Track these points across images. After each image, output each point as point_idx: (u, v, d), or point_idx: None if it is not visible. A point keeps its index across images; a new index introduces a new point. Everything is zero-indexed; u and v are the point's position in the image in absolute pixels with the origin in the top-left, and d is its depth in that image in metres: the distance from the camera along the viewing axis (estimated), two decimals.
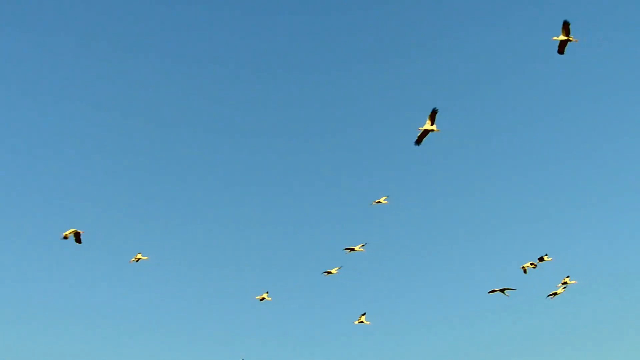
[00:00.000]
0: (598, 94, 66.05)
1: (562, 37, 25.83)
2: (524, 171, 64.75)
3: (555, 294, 34.42)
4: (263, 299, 34.91)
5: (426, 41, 73.31)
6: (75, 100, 67.26)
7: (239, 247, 60.85)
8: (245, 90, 72.74)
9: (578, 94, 66.60)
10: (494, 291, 32.10)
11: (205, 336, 52.02)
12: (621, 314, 52.01)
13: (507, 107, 67.50)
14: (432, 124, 27.36)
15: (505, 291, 32.17)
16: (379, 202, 34.73)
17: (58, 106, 67.51)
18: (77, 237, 29.47)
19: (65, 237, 29.22)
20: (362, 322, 34.73)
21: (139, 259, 33.61)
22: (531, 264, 34.35)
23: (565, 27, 25.66)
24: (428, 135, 27.71)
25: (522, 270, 34.27)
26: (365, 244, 34.01)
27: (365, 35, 73.65)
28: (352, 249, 33.94)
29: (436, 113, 27.11)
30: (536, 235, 55.76)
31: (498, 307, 59.22)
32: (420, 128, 27.32)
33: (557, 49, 26.13)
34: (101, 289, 55.03)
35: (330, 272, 34.51)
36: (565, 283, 34.66)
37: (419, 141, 27.89)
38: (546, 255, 34.37)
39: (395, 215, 56.77)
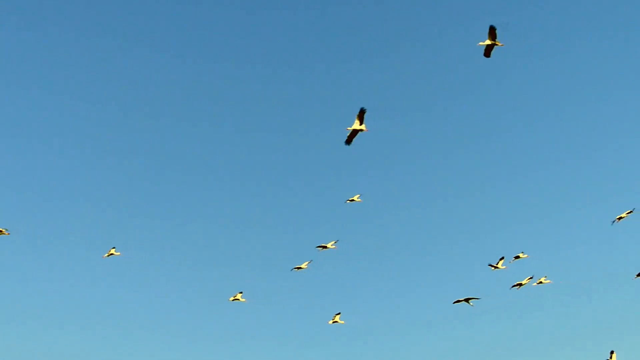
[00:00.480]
0: (583, 95, 66.97)
1: (488, 42, 26.10)
2: (503, 171, 65.42)
3: (520, 284, 34.71)
4: (236, 299, 34.68)
5: (414, 40, 74.19)
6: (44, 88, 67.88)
7: (212, 246, 61.00)
8: (219, 83, 72.69)
9: (559, 98, 66.37)
10: (458, 301, 32.28)
11: (177, 335, 52.49)
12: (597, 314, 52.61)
13: (482, 109, 67.72)
14: (360, 124, 27.69)
15: (469, 301, 32.35)
16: (353, 200, 34.70)
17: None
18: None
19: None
20: (336, 321, 34.53)
21: (111, 254, 33.99)
22: (501, 259, 34.47)
23: (492, 32, 25.90)
24: (357, 135, 28.06)
25: (490, 267, 34.53)
26: (337, 241, 33.84)
27: (355, 33, 74.06)
28: (325, 247, 33.74)
29: (364, 113, 27.44)
30: (513, 235, 56.80)
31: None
32: (349, 128, 27.68)
33: (483, 52, 26.40)
34: (75, 284, 55.80)
35: (300, 268, 34.25)
36: (541, 282, 34.94)
37: (348, 141, 28.24)
38: (522, 252, 34.61)
39: (369, 213, 57.34)
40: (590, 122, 65.42)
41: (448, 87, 69.47)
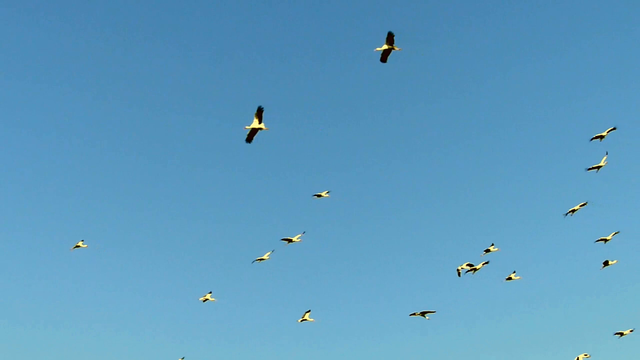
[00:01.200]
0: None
1: (385, 47, 26.10)
2: (477, 169, 64.51)
3: (474, 269, 33.95)
4: (206, 299, 34.25)
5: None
6: None
7: (180, 241, 60.02)
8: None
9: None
10: (414, 314, 32.18)
11: (145, 334, 51.74)
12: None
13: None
14: (259, 122, 27.60)
15: (425, 315, 32.24)
16: (320, 195, 33.92)
17: None
18: None
19: None
20: (305, 319, 33.99)
21: (78, 246, 33.69)
22: (468, 265, 33.81)
23: (390, 38, 25.90)
24: (257, 133, 27.99)
25: (457, 272, 33.96)
26: (303, 233, 33.22)
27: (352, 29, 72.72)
28: (290, 240, 33.22)
29: (262, 111, 27.33)
30: (485, 232, 56.27)
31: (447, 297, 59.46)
32: (247, 127, 27.59)
33: (379, 57, 26.38)
34: (42, 277, 55.31)
35: (262, 259, 33.58)
36: (510, 278, 34.22)
37: (249, 139, 28.16)
38: (492, 245, 33.55)
39: (337, 209, 57.10)
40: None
41: (418, 87, 68.93)
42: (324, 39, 72.92)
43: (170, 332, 50.49)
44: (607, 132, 30.89)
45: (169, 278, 55.65)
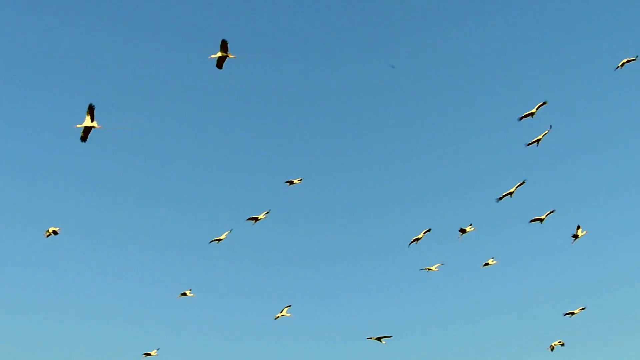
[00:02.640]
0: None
1: (220, 54, 26.34)
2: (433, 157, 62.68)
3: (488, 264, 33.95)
4: (185, 294, 33.75)
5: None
6: None
7: (155, 230, 57.67)
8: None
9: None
10: (370, 339, 32.41)
11: (122, 326, 50.37)
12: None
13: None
14: (92, 121, 27.27)
15: (382, 339, 32.34)
16: (293, 182, 33.23)
17: None
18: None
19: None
20: (282, 315, 33.54)
21: (52, 231, 33.64)
22: (428, 269, 33.86)
23: (224, 45, 26.19)
24: (91, 131, 27.66)
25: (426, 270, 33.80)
26: (269, 211, 32.33)
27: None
28: (256, 219, 32.31)
29: (93, 109, 27.04)
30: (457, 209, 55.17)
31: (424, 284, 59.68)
32: (80, 125, 27.27)
33: (215, 64, 26.57)
34: (14, 263, 53.19)
35: (219, 239, 32.44)
36: (487, 264, 33.86)
37: (83, 138, 27.81)
38: (470, 225, 32.50)
39: (310, 196, 56.32)
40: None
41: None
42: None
43: (147, 324, 49.55)
44: (537, 109, 29.21)
45: (146, 270, 54.61)
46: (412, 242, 32.70)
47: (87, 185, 59.66)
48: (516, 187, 30.48)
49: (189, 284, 34.21)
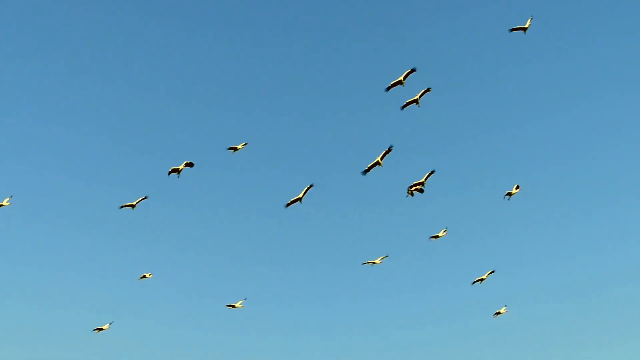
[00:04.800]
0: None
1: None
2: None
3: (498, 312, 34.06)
4: (144, 277, 33.84)
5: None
6: None
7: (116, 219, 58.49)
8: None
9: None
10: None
11: (78, 308, 51.52)
12: None
13: None
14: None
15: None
16: (236, 148, 32.05)
17: None
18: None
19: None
20: (233, 305, 34.02)
21: (2, 205, 32.29)
22: (372, 262, 33.37)
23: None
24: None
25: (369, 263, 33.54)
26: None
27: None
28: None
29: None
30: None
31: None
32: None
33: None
34: None
35: (130, 205, 32.02)
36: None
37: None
38: (444, 230, 32.01)
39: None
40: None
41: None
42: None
43: (102, 305, 50.65)
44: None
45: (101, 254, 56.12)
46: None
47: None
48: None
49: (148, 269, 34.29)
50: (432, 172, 28.31)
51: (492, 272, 32.23)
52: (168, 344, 48.97)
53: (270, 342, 50.02)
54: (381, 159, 27.44)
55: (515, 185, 30.78)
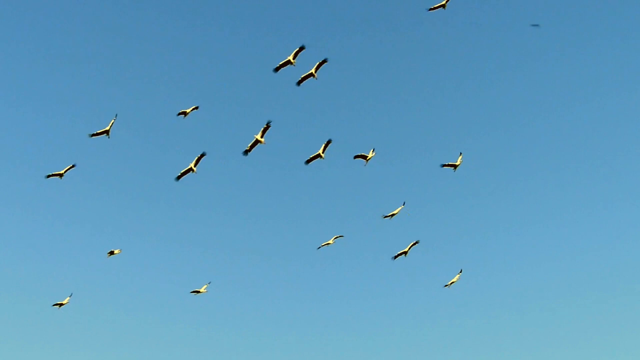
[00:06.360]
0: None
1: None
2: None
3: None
4: (112, 253, 33.35)
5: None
6: None
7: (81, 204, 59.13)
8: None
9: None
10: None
11: (45, 286, 53.03)
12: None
13: None
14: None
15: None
16: (186, 112, 31.76)
17: None
18: None
19: None
20: (197, 291, 34.13)
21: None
22: (326, 244, 33.36)
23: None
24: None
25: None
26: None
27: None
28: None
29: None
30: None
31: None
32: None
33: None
34: None
35: (58, 174, 31.74)
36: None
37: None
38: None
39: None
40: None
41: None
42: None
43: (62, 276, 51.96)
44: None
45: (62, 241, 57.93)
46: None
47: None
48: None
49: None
50: (417, 242, 30.79)
51: (461, 271, 33.24)
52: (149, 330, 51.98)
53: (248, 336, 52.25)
54: (322, 151, 27.86)
55: (372, 149, 30.75)
